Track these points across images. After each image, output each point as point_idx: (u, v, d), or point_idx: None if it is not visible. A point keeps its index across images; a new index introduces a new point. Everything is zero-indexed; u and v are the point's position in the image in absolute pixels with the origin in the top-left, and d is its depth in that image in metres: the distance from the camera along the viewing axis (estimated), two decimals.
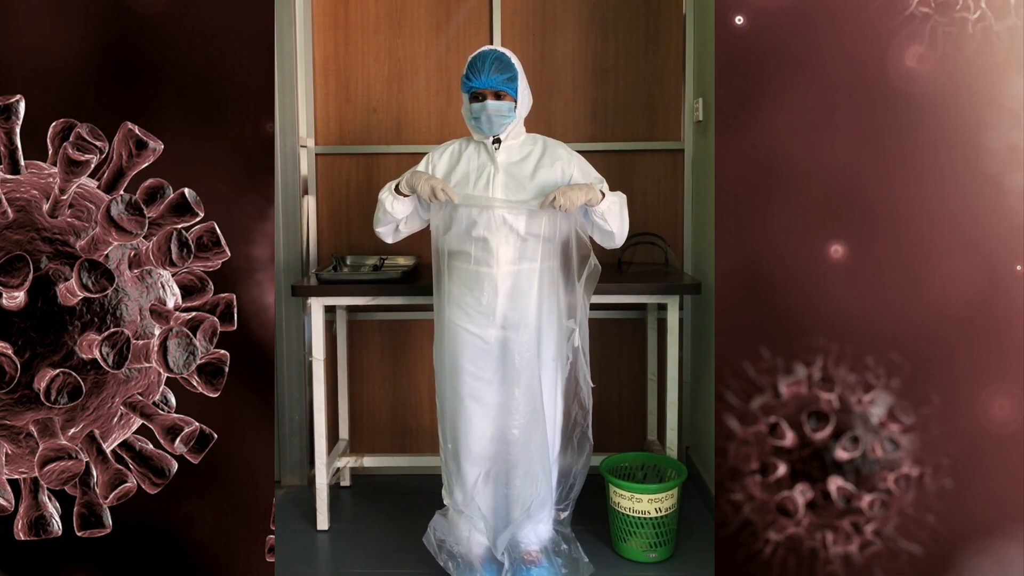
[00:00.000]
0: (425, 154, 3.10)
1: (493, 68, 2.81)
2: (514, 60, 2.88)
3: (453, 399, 2.99)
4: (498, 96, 2.83)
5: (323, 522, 3.73)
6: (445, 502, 3.14)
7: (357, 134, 4.29)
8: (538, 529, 3.11)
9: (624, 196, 2.96)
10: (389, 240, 3.14)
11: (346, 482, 4.27)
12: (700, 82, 4.08)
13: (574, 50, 4.26)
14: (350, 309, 4.30)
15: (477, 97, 2.85)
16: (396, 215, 3.00)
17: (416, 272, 3.86)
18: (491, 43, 4.19)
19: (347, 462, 4.20)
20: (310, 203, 4.26)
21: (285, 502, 4.00)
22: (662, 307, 3.97)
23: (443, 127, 4.22)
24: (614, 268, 4.01)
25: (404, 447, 4.42)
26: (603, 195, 2.85)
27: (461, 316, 2.92)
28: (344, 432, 4.33)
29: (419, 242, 4.16)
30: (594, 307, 3.89)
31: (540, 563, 3.16)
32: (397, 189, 2.98)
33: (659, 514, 3.31)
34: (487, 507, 3.07)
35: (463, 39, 4.23)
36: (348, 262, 4.04)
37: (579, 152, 3.02)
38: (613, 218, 2.89)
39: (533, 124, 3.03)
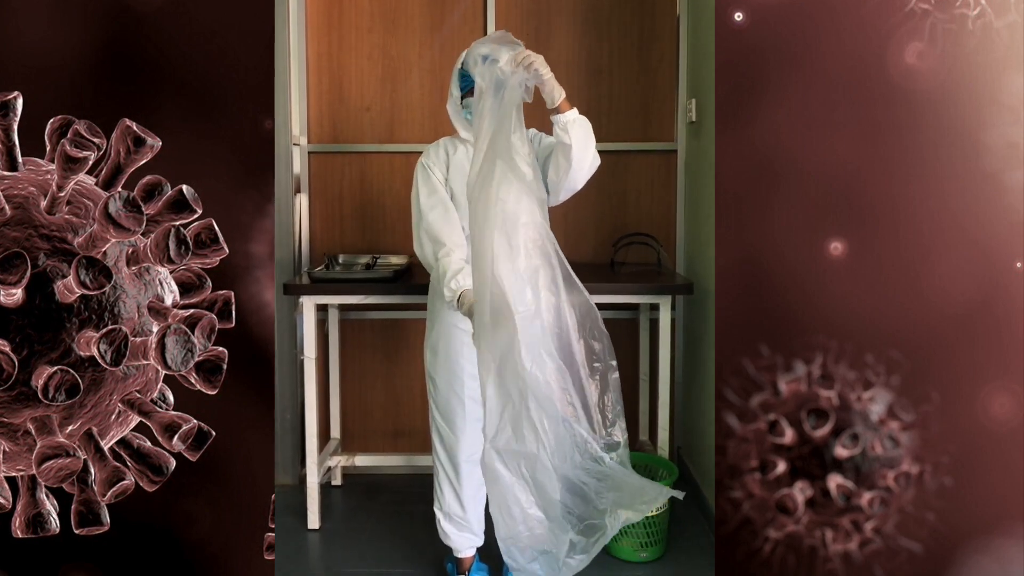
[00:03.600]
0: (418, 153, 3.08)
1: None
2: None
3: (451, 402, 2.98)
4: None
5: (314, 521, 3.73)
6: (436, 511, 3.13)
7: (350, 133, 4.29)
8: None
9: (594, 136, 2.80)
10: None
11: (337, 481, 4.27)
12: (694, 83, 4.09)
13: (568, 50, 4.26)
14: (342, 308, 4.30)
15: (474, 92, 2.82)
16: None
17: (409, 271, 3.86)
18: None
19: (338, 461, 4.20)
20: (303, 201, 4.26)
21: (276, 501, 4.00)
22: (654, 307, 3.98)
23: (436, 127, 4.22)
24: (607, 268, 4.02)
25: (396, 447, 4.42)
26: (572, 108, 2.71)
27: (459, 316, 2.90)
28: (336, 431, 4.33)
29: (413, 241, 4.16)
30: None
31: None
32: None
33: (650, 514, 3.31)
34: (482, 511, 3.08)
35: (457, 39, 4.23)
36: (341, 261, 4.04)
37: None
38: (577, 132, 2.71)
39: (527, 124, 3.03)
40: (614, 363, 2.71)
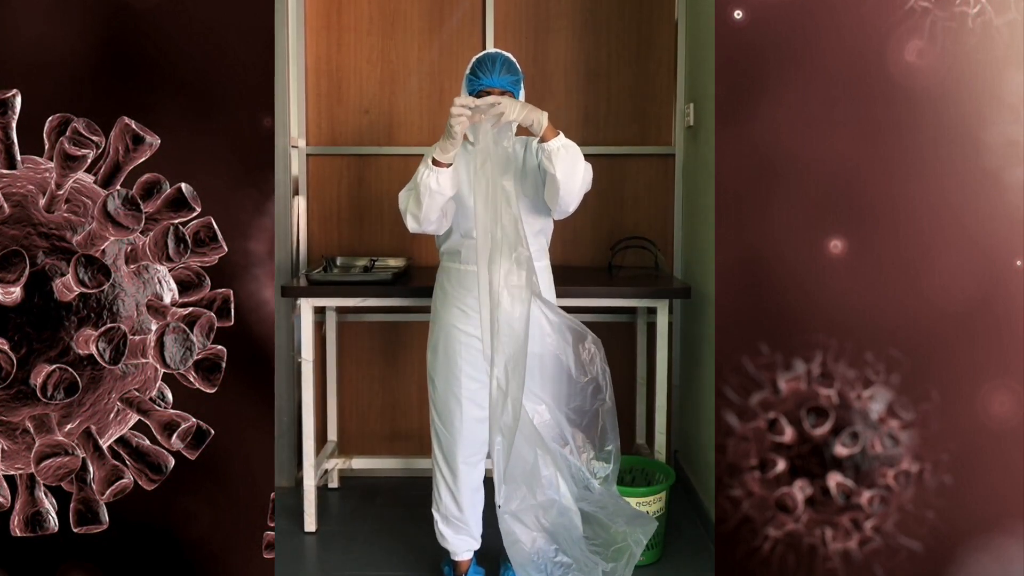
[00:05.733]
0: (418, 156, 3.09)
1: (503, 69, 2.81)
2: (518, 65, 2.90)
3: (448, 403, 2.98)
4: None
5: (311, 524, 3.73)
6: (434, 513, 3.13)
7: (349, 135, 4.29)
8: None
9: (589, 166, 2.79)
10: (442, 230, 2.93)
11: (334, 484, 4.26)
12: (692, 87, 4.09)
13: (567, 54, 4.27)
14: (340, 310, 4.29)
15: (483, 95, 2.82)
16: (446, 191, 2.76)
17: (407, 274, 3.86)
18: (484, 46, 4.20)
19: (335, 464, 4.19)
20: (301, 204, 4.26)
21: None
22: (652, 311, 3.98)
23: (435, 129, 4.23)
24: (604, 271, 4.02)
25: (393, 449, 4.41)
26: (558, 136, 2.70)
27: (459, 317, 2.91)
28: (332, 434, 4.32)
29: (411, 243, 4.17)
30: (584, 310, 3.91)
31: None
32: (434, 163, 2.74)
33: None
34: (480, 514, 3.09)
35: (456, 42, 4.24)
36: (338, 263, 4.04)
37: None
38: (561, 162, 2.68)
39: (525, 128, 3.03)
40: (610, 397, 2.81)
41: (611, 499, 2.81)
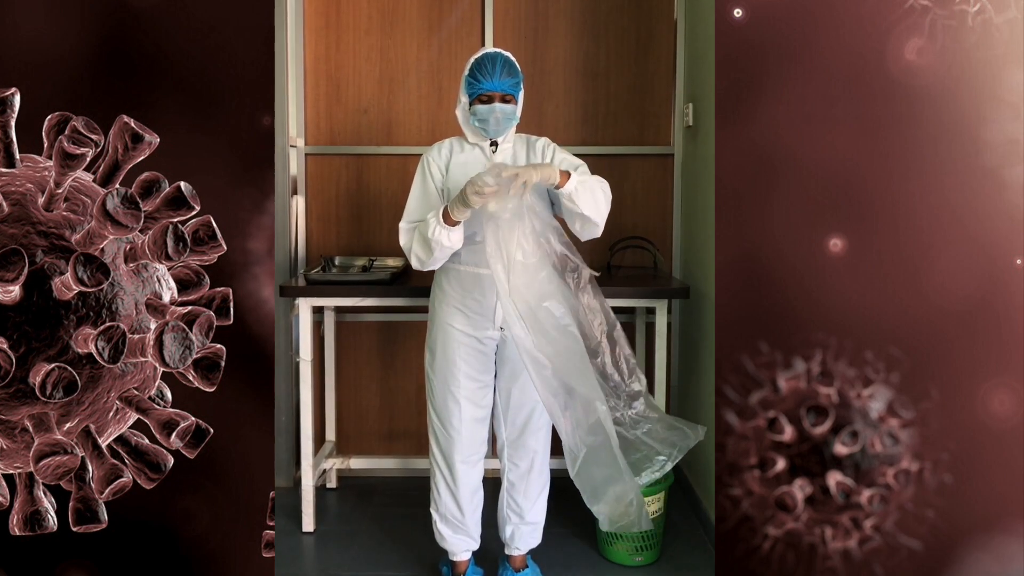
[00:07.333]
0: (417, 156, 3.08)
1: (504, 71, 2.78)
2: (518, 65, 2.87)
3: (447, 403, 2.98)
4: (504, 99, 2.80)
5: (309, 524, 3.72)
6: (432, 513, 3.12)
7: (348, 135, 4.28)
8: (523, 532, 3.11)
9: (603, 181, 2.77)
10: (437, 267, 2.93)
11: (332, 484, 4.25)
12: (691, 87, 4.09)
13: (566, 53, 4.26)
14: (338, 310, 4.29)
15: (484, 99, 2.81)
16: (456, 245, 2.76)
17: (405, 274, 3.85)
18: (483, 45, 4.19)
19: (333, 464, 4.19)
20: (299, 203, 4.25)
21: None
22: (650, 311, 3.97)
23: (434, 129, 4.22)
24: (603, 271, 4.02)
25: (391, 449, 4.41)
26: (569, 176, 2.67)
27: (457, 317, 2.91)
28: (331, 434, 4.32)
29: None
30: None
31: (526, 567, 3.16)
32: (446, 219, 2.71)
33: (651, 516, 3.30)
34: (478, 514, 3.08)
35: (455, 41, 4.23)
36: (337, 263, 4.03)
37: None
38: (583, 200, 2.68)
39: (524, 127, 3.03)
40: (613, 317, 2.81)
41: (654, 411, 2.82)
